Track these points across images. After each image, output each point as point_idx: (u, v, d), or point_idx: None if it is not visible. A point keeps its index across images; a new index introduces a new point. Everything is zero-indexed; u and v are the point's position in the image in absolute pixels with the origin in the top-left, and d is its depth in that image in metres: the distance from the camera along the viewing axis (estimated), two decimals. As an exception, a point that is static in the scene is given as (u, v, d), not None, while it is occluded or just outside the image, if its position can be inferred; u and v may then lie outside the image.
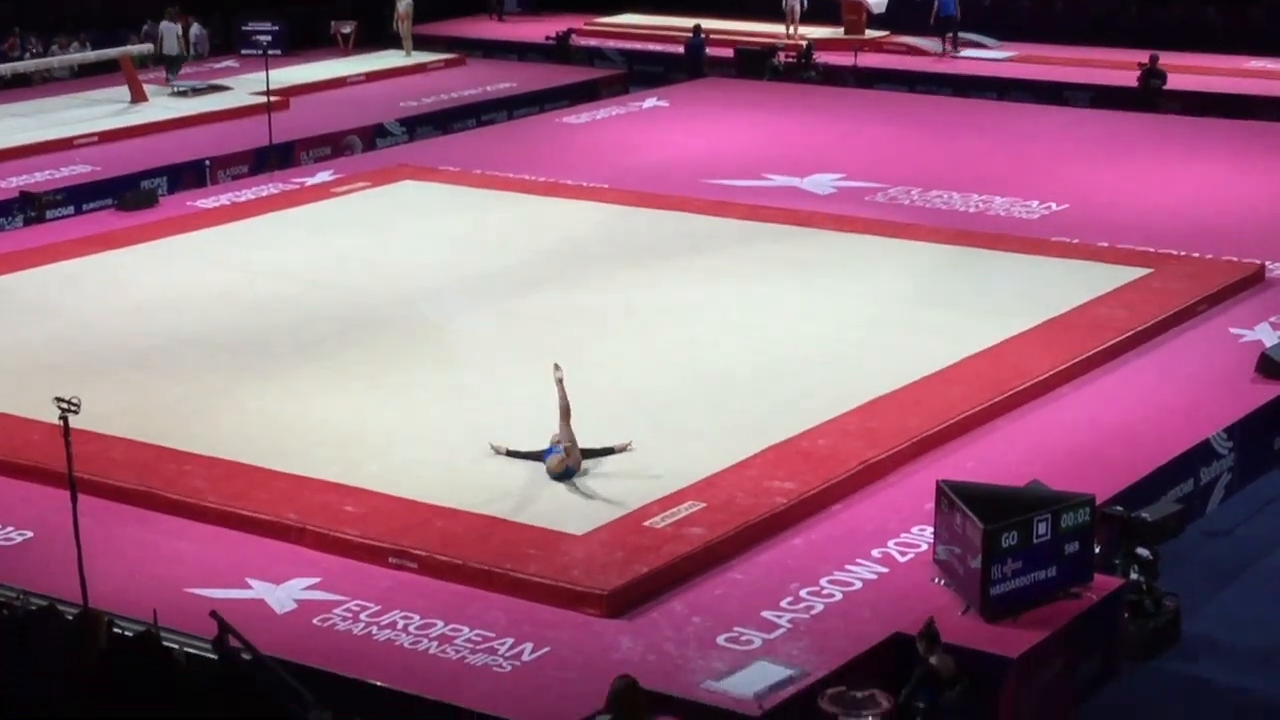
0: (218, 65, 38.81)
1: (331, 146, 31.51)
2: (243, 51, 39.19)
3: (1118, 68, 35.38)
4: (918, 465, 16.40)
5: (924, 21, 39.10)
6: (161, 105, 33.97)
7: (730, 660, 12.89)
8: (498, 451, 16.13)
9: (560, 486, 15.32)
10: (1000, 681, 12.87)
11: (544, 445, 15.86)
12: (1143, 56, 34.13)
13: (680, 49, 39.18)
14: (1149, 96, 33.39)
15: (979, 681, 12.74)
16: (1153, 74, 33.52)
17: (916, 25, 39.44)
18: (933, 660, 12.07)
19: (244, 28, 39.82)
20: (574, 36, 41.42)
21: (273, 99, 31.42)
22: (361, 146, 31.97)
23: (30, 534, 15.17)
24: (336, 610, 13.75)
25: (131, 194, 26.80)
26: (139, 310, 21.21)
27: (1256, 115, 32.17)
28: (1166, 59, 33.87)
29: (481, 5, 45.91)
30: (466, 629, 13.43)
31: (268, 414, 17.68)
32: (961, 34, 39.36)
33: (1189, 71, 34.81)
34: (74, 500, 13.32)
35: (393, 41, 40.61)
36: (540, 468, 15.76)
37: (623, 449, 16.19)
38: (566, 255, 23.32)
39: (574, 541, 14.58)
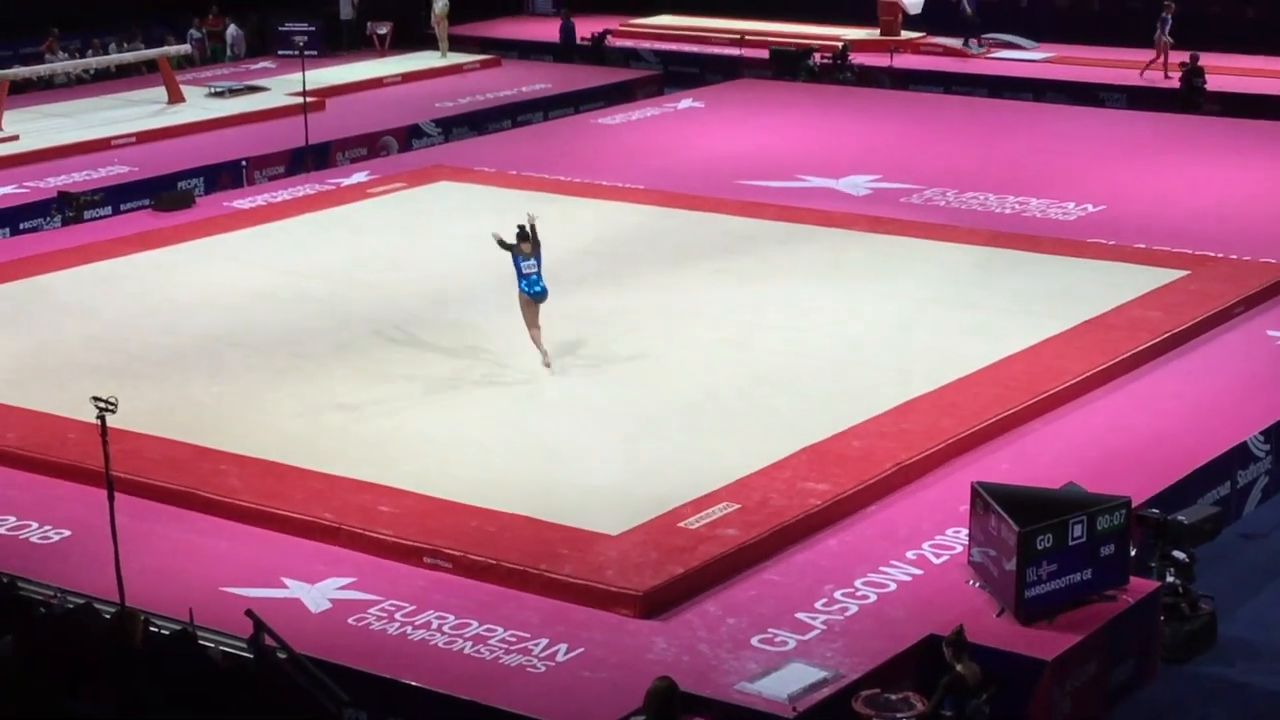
0: (254, 66, 38.97)
1: (367, 147, 31.60)
2: (279, 52, 39.35)
3: (1154, 69, 35.20)
4: (952, 467, 16.36)
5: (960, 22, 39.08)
6: (199, 106, 34.12)
7: (764, 661, 12.89)
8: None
9: (595, 486, 15.18)
10: (1034, 684, 12.84)
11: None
12: (1180, 57, 34.02)
13: (717, 50, 39.13)
14: (1191, 96, 33.20)
15: (1013, 684, 12.71)
16: (1194, 73, 33.34)
17: (953, 26, 39.35)
18: (959, 667, 12.04)
19: (281, 28, 39.96)
20: (610, 37, 41.47)
21: (309, 100, 31.54)
22: (397, 147, 32.06)
23: (68, 532, 15.25)
24: (371, 610, 13.78)
25: (168, 194, 26.91)
26: (176, 310, 21.30)
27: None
28: (1204, 60, 33.69)
29: (516, 6, 45.88)
30: (501, 629, 13.45)
31: (303, 414, 17.73)
32: (997, 35, 39.27)
33: (1227, 73, 34.66)
34: (111, 499, 13.38)
35: (429, 42, 40.74)
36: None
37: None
38: (602, 256, 23.34)
39: (608, 542, 14.59)
